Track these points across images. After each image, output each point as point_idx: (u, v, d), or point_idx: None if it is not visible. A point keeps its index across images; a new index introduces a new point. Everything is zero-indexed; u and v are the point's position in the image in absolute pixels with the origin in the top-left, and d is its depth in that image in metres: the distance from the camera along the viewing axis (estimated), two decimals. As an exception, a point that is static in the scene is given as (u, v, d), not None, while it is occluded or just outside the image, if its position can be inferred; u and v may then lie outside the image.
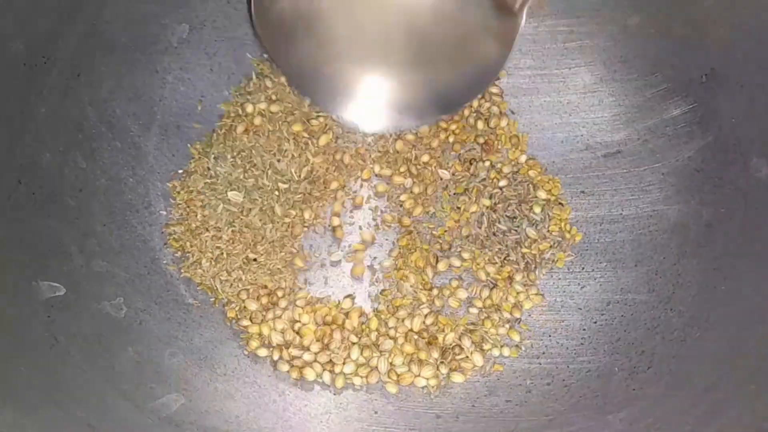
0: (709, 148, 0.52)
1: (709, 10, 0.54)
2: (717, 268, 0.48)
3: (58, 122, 0.49)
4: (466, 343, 0.48)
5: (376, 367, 0.48)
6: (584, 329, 0.50)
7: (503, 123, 0.57)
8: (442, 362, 0.48)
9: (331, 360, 0.48)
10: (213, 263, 0.50)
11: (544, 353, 0.49)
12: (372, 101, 0.48)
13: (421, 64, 0.48)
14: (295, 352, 0.48)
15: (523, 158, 0.56)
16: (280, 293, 0.50)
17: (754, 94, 0.50)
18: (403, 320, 0.50)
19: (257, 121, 0.54)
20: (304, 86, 0.52)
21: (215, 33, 0.58)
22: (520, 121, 0.58)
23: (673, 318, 0.48)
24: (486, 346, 0.49)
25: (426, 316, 0.49)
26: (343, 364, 0.48)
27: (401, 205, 0.54)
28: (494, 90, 0.58)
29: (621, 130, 0.57)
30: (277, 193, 0.52)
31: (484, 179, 0.55)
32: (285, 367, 0.48)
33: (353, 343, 0.49)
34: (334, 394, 0.47)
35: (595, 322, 0.50)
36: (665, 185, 0.54)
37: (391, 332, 0.49)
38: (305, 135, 0.54)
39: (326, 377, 0.48)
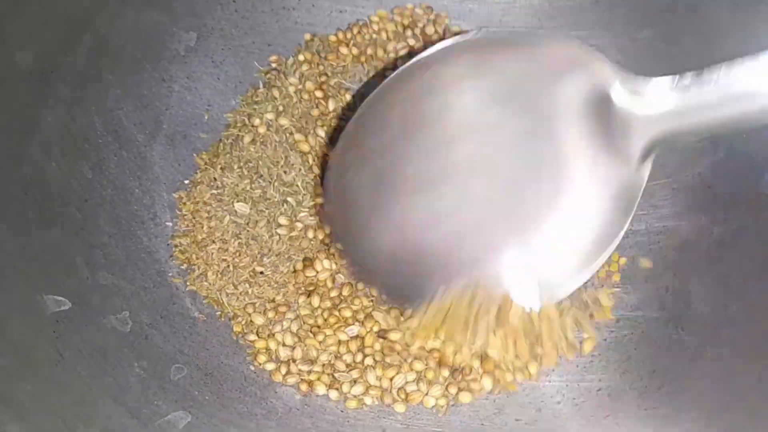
0: (720, 164, 0.52)
1: (720, 25, 0.53)
2: (728, 287, 0.48)
3: (65, 132, 0.48)
4: (476, 364, 0.48)
5: (388, 389, 0.47)
6: (594, 346, 0.49)
7: None
8: (450, 383, 0.47)
9: (339, 379, 0.47)
10: (219, 276, 0.50)
11: (554, 370, 0.48)
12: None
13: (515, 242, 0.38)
14: (303, 366, 0.48)
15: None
16: (284, 308, 0.50)
17: (766, 110, 0.49)
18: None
19: (263, 130, 0.53)
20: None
21: (222, 41, 0.57)
22: (529, 133, 0.57)
23: (684, 336, 0.47)
24: (498, 373, 0.48)
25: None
26: (353, 383, 0.47)
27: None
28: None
29: (631, 144, 0.56)
30: (284, 206, 0.52)
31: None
32: (293, 380, 0.47)
33: (363, 363, 0.48)
34: (342, 412, 0.46)
35: (605, 339, 0.49)
36: (676, 201, 0.53)
37: (399, 347, 0.48)
38: (315, 150, 0.54)
39: (333, 395, 0.47)
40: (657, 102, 0.36)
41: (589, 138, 0.37)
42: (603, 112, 0.37)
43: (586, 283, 0.49)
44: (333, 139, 0.54)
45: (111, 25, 0.51)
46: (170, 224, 0.52)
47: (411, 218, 0.40)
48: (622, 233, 0.39)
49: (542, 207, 0.38)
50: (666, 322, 0.48)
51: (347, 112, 0.55)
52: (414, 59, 0.40)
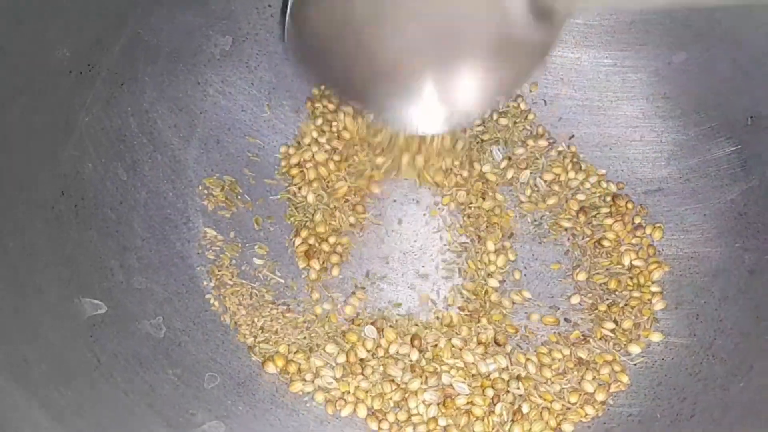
0: (752, 192, 0.52)
1: (756, 53, 0.53)
2: (759, 317, 0.48)
3: (101, 132, 0.48)
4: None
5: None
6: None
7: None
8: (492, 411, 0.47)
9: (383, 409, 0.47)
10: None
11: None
12: (416, 101, 0.47)
13: (458, 63, 0.45)
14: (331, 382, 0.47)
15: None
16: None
17: (801, 141, 0.49)
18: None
19: None
20: (347, 93, 0.50)
21: (257, 47, 0.57)
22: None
23: (715, 365, 0.47)
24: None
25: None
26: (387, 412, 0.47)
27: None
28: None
29: (662, 167, 0.56)
30: None
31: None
32: (321, 399, 0.47)
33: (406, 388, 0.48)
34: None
35: (636, 364, 0.49)
36: (707, 227, 0.53)
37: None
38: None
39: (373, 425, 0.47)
40: None
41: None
42: None
43: (631, 309, 0.49)
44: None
45: (147, 23, 0.51)
46: (202, 229, 0.51)
47: (363, 41, 0.45)
48: (529, 77, 0.50)
49: (468, 42, 0.44)
50: (697, 349, 0.48)
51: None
52: None
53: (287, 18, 0.46)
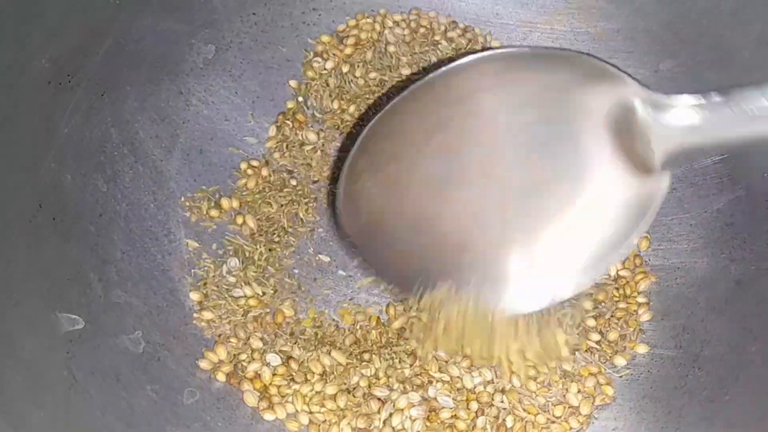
0: (739, 202, 0.52)
1: (744, 61, 0.53)
2: (746, 328, 0.47)
3: (81, 143, 0.47)
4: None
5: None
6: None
7: None
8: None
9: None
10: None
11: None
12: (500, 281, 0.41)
13: (542, 235, 0.40)
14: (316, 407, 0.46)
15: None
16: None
17: (788, 149, 0.49)
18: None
19: None
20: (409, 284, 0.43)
21: (241, 55, 0.57)
22: (547, 161, 0.57)
23: (701, 377, 0.47)
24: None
25: None
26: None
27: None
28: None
29: (648, 176, 0.56)
30: None
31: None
32: (305, 420, 0.46)
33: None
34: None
35: (621, 376, 0.49)
36: (693, 237, 0.53)
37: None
38: None
39: None
40: (679, 116, 0.36)
41: (609, 145, 0.39)
42: (625, 123, 0.38)
43: (617, 321, 0.49)
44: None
45: (129, 32, 0.50)
46: (184, 241, 0.50)
47: (424, 215, 0.41)
48: (632, 241, 0.40)
49: (556, 208, 0.40)
50: (683, 361, 0.48)
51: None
52: (435, 71, 0.40)
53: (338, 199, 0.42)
